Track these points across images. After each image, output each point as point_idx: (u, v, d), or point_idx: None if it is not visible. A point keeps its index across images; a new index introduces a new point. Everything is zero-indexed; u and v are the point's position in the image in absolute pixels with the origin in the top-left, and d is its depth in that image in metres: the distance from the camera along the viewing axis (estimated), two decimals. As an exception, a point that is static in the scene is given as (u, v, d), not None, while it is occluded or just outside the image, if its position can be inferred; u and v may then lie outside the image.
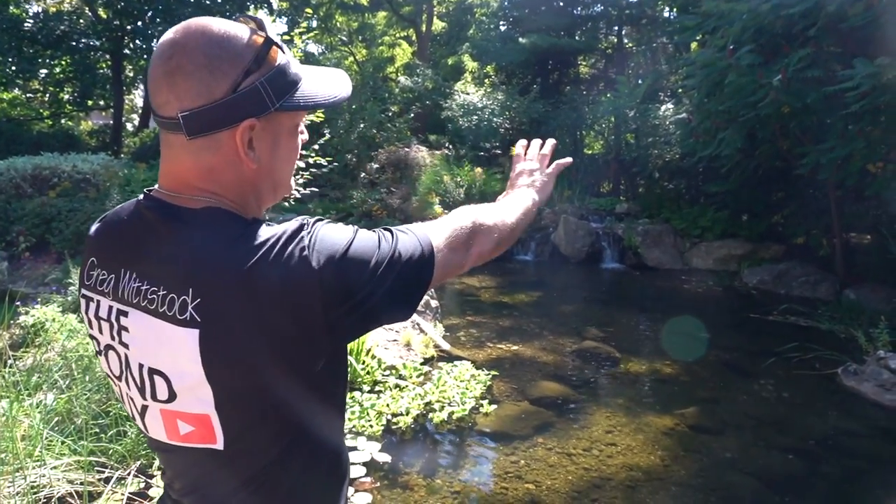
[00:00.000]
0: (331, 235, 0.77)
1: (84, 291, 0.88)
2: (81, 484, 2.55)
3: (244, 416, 0.78)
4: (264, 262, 0.72)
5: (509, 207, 1.10)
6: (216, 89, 0.75)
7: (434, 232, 0.89)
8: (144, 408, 0.83)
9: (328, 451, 0.90)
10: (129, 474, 2.74)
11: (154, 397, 0.80)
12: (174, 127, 0.77)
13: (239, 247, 0.74)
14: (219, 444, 0.79)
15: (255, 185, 0.84)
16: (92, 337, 0.89)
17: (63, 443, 2.71)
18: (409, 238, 0.85)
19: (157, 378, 0.79)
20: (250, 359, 0.74)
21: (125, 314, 0.80)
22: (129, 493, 2.65)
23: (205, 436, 0.79)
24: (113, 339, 0.83)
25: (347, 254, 0.76)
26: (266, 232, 0.76)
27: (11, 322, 4.10)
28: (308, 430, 0.84)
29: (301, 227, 0.76)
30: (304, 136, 0.92)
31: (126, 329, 0.81)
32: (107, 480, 2.67)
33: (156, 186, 0.85)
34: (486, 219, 0.99)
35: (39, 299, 4.61)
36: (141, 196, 0.86)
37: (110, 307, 0.82)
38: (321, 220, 0.81)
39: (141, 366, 0.80)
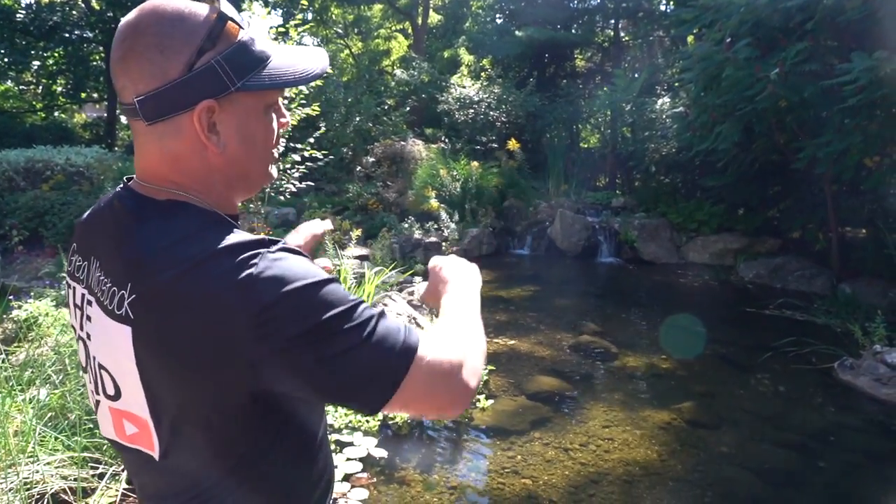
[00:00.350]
0: (291, 269, 0.68)
1: (67, 279, 0.87)
2: (75, 480, 2.53)
3: (176, 428, 0.73)
4: (204, 271, 0.67)
5: (468, 323, 0.88)
6: (170, 70, 0.71)
7: (430, 342, 0.76)
8: (97, 403, 0.81)
9: (283, 484, 0.81)
10: (123, 470, 2.72)
11: (105, 393, 0.78)
12: (133, 113, 0.73)
13: (184, 248, 0.69)
14: (155, 454, 0.75)
15: (223, 174, 0.78)
16: (72, 326, 0.87)
17: (56, 438, 2.68)
18: (393, 328, 0.73)
19: (104, 374, 0.77)
20: (176, 368, 0.69)
21: (90, 303, 0.78)
22: (124, 489, 2.63)
23: (146, 441, 0.76)
24: (81, 328, 0.81)
25: (300, 294, 0.67)
26: (219, 238, 0.70)
27: (4, 316, 4.06)
28: (255, 461, 0.77)
29: (259, 246, 0.69)
30: (286, 120, 0.86)
31: (89, 319, 0.79)
32: (101, 476, 2.65)
33: (134, 176, 0.82)
34: (474, 352, 0.82)
35: (33, 293, 4.57)
36: (120, 185, 0.83)
37: (82, 295, 0.81)
38: (291, 251, 0.71)
39: (94, 358, 0.79)
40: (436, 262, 1.10)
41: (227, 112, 0.75)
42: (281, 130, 0.85)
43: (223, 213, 0.78)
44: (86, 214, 0.87)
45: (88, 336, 0.79)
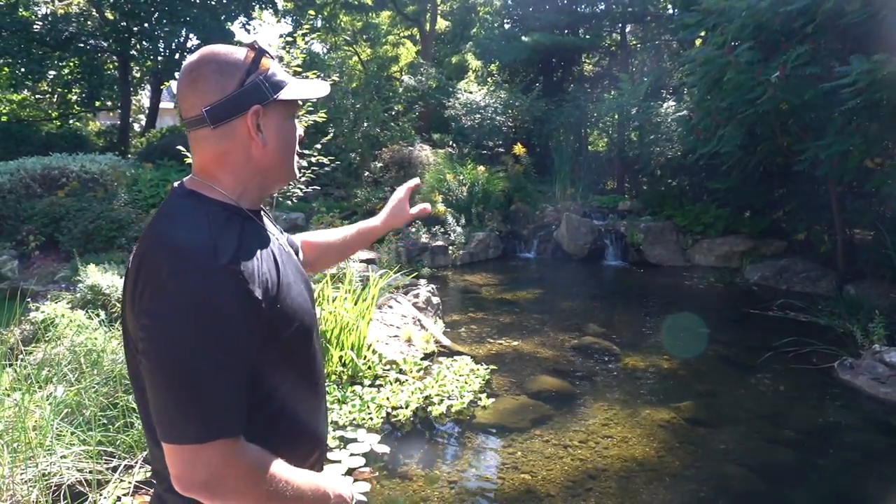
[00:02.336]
0: (189, 239, 0.90)
1: None
2: (90, 472, 2.65)
3: (139, 389, 0.97)
4: (155, 228, 0.95)
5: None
6: (227, 87, 0.99)
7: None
8: None
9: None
10: (136, 463, 2.83)
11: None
12: (200, 122, 0.99)
13: (164, 224, 0.96)
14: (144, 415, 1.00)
15: (261, 165, 1.04)
16: None
17: (73, 433, 2.80)
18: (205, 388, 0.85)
19: None
20: (129, 311, 0.94)
21: None
22: (136, 481, 2.74)
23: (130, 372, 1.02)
24: None
25: (171, 341, 0.85)
26: (189, 212, 0.95)
27: (22, 318, 4.20)
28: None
29: (196, 260, 0.88)
30: (301, 132, 1.13)
31: None
32: (114, 469, 2.76)
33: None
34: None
35: (49, 296, 4.71)
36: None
37: None
38: (219, 277, 0.88)
39: None
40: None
41: (269, 117, 1.03)
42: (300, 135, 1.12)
43: (243, 206, 1.02)
44: None
45: None
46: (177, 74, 15.64)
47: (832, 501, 3.23)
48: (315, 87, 1.10)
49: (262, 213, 1.11)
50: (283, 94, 1.03)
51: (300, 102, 1.12)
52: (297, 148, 1.12)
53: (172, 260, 0.87)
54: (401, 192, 1.64)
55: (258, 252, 0.96)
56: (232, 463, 0.86)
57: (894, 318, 5.30)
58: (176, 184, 1.06)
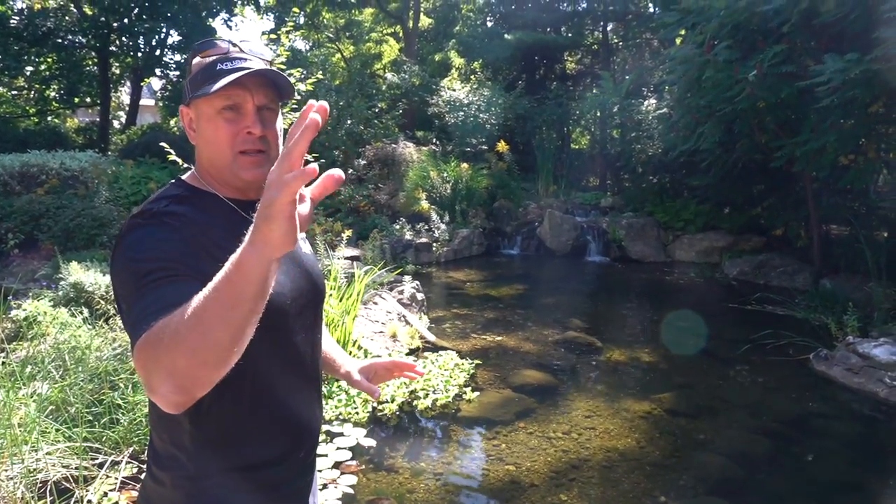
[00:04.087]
0: (140, 210, 1.00)
1: None
2: (76, 468, 2.65)
3: None
4: (128, 222, 1.00)
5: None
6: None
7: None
8: None
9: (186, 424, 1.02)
10: (122, 460, 2.84)
11: None
12: None
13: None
14: None
15: (205, 156, 1.10)
16: None
17: (58, 430, 2.80)
18: (141, 303, 0.86)
19: None
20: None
21: None
22: (123, 477, 2.75)
23: None
24: None
25: (122, 265, 0.94)
26: (150, 202, 1.03)
27: (3, 316, 4.17)
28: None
29: (139, 214, 1.00)
30: (252, 129, 1.04)
31: None
32: (101, 465, 2.77)
33: None
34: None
35: (31, 294, 4.67)
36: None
37: None
38: (149, 222, 0.98)
39: None
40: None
41: (198, 115, 1.09)
42: (243, 132, 1.05)
43: (222, 194, 1.09)
44: None
45: None
46: (157, 71, 15.49)
47: (808, 488, 3.32)
48: (245, 67, 1.04)
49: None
50: (196, 93, 1.05)
51: (224, 97, 1.03)
52: (233, 145, 1.04)
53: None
54: (386, 366, 1.42)
55: (200, 214, 1.03)
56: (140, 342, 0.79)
57: (867, 311, 5.44)
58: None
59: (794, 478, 3.39)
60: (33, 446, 2.66)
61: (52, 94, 15.49)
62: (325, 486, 2.98)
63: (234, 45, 1.10)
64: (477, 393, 4.20)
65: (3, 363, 3.20)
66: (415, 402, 3.98)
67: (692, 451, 3.58)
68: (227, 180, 1.09)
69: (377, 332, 4.96)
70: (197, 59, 1.09)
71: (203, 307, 0.73)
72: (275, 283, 0.86)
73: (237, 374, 0.81)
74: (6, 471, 2.53)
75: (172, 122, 16.33)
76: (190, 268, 0.90)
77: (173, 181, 1.13)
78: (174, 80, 15.66)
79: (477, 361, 4.77)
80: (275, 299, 0.94)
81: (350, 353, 4.42)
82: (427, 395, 4.05)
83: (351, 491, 2.97)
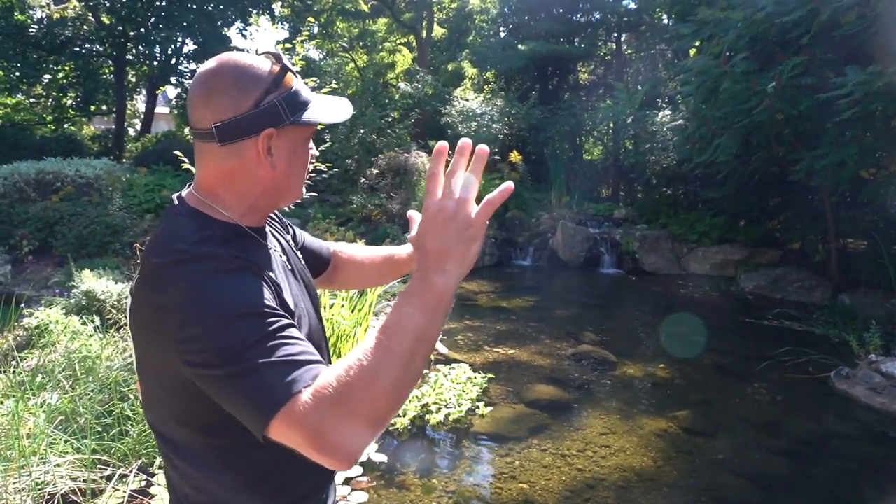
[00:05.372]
0: (208, 290, 0.81)
1: None
2: (84, 481, 2.61)
3: (148, 386, 0.94)
4: (169, 268, 0.84)
5: (385, 343, 0.75)
6: (243, 104, 0.91)
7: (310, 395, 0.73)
8: None
9: (247, 468, 0.93)
10: (130, 472, 2.80)
11: None
12: (208, 137, 0.93)
13: (175, 244, 0.87)
14: (143, 401, 0.99)
15: (267, 188, 0.98)
16: None
17: (66, 441, 2.77)
18: (284, 360, 0.76)
19: None
20: (142, 339, 0.90)
21: None
22: (131, 490, 2.71)
23: (140, 391, 0.99)
24: None
25: (211, 323, 0.78)
26: (189, 240, 0.87)
27: (15, 324, 4.17)
28: (218, 435, 0.90)
29: (204, 258, 0.84)
30: (314, 151, 1.07)
31: None
32: (109, 478, 2.73)
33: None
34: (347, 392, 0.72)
35: (43, 302, 4.68)
36: (186, 189, 1.03)
37: None
38: (222, 262, 0.84)
39: None
40: (435, 208, 0.83)
41: (280, 139, 0.95)
42: (310, 157, 1.05)
43: (244, 224, 0.98)
44: None
45: None
46: (172, 80, 15.64)
47: (830, 512, 3.23)
48: (338, 110, 1.02)
49: (269, 225, 1.09)
50: (302, 118, 0.95)
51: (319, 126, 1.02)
52: (308, 170, 1.05)
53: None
54: None
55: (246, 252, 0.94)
56: (303, 414, 0.72)
57: (889, 328, 5.33)
58: (175, 198, 0.99)
59: (816, 501, 3.30)
60: (42, 458, 2.63)
61: (69, 101, 15.68)
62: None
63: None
64: (490, 408, 4.13)
65: (14, 372, 3.18)
66: (427, 417, 3.92)
67: (710, 472, 3.50)
68: (276, 206, 1.03)
69: (389, 344, 4.90)
70: (289, 75, 0.95)
71: (404, 342, 0.74)
72: (308, 318, 1.01)
73: (216, 448, 0.88)
74: (14, 483, 2.49)
75: (186, 130, 16.46)
76: (288, 313, 0.88)
77: (188, 212, 0.95)
78: (189, 88, 15.82)
79: (490, 375, 4.70)
80: (313, 334, 1.01)
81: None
82: (440, 409, 3.99)
83: (361, 508, 2.91)
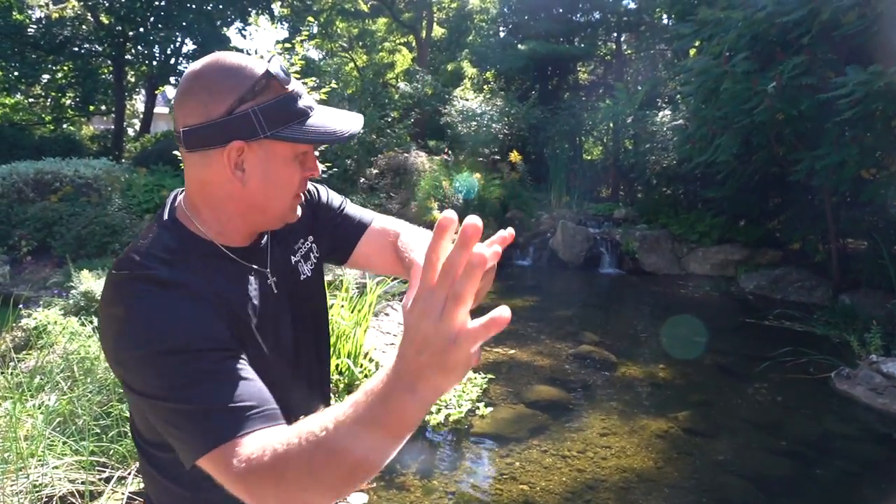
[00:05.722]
0: (152, 325, 0.76)
1: None
2: (83, 483, 2.60)
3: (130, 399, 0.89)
4: (114, 280, 0.82)
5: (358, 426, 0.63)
6: (213, 111, 0.83)
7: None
8: None
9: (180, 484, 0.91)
10: (129, 474, 2.79)
11: None
12: (178, 140, 0.87)
13: (128, 252, 0.85)
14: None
15: (241, 204, 0.89)
16: None
17: (65, 443, 2.75)
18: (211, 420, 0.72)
19: None
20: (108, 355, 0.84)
21: None
22: (130, 492, 2.69)
23: None
24: None
25: (146, 357, 0.76)
26: (146, 252, 0.83)
27: (14, 325, 4.15)
28: (155, 452, 0.90)
29: (150, 280, 0.80)
30: (315, 172, 0.95)
31: None
32: (107, 480, 2.71)
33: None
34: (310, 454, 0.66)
35: (42, 302, 4.66)
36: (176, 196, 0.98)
37: None
38: (170, 286, 0.80)
39: None
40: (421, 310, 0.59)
41: (255, 154, 0.86)
42: (307, 175, 0.94)
43: (221, 243, 0.91)
44: None
45: None
46: (172, 79, 15.63)
47: (831, 513, 3.22)
48: (340, 125, 0.90)
49: (276, 236, 1.02)
50: (284, 133, 0.85)
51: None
52: (299, 191, 0.94)
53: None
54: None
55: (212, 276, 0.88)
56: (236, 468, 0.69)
57: (890, 328, 5.31)
58: (169, 200, 0.95)
59: (817, 502, 3.29)
60: (40, 460, 2.62)
61: (68, 101, 15.67)
62: (334, 505, 2.91)
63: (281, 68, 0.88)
64: (490, 408, 4.12)
65: (12, 373, 3.17)
66: (427, 418, 3.89)
67: (711, 473, 3.48)
68: (259, 227, 0.95)
69: (389, 345, 4.89)
70: (275, 83, 0.85)
71: (345, 450, 0.63)
72: (279, 350, 0.97)
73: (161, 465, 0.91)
74: (12, 485, 2.48)
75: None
76: (236, 346, 0.81)
77: (169, 221, 0.90)
78: None
79: (490, 375, 4.69)
80: (278, 365, 0.96)
81: (361, 365, 4.35)
82: (439, 409, 3.97)
83: (361, 510, 2.90)
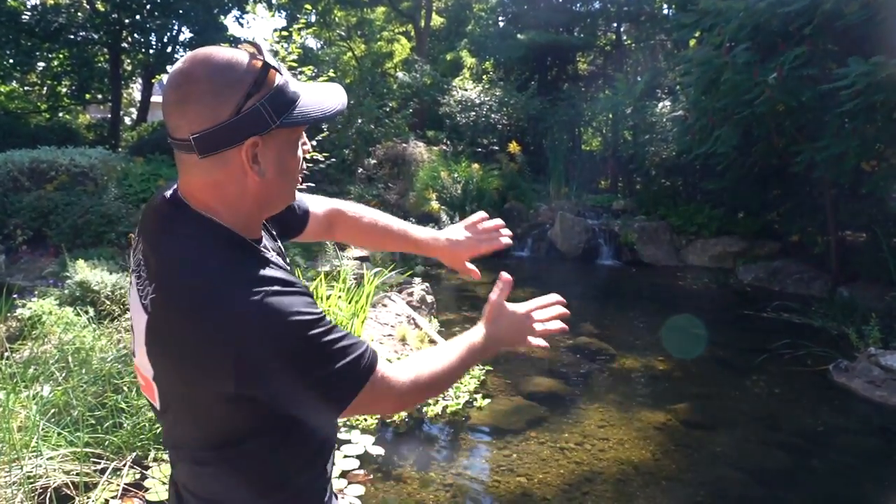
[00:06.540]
0: (287, 309, 0.81)
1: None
2: (77, 475, 2.58)
3: (173, 398, 0.90)
4: (214, 292, 0.80)
5: (456, 358, 1.06)
6: (221, 112, 0.82)
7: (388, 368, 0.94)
8: (132, 354, 0.98)
9: (282, 475, 0.95)
10: (124, 465, 2.77)
11: (133, 351, 0.95)
12: (187, 148, 0.85)
13: (202, 266, 0.83)
14: (157, 406, 0.94)
15: (257, 197, 0.91)
16: None
17: (59, 434, 2.73)
18: (355, 355, 0.87)
19: (133, 335, 0.94)
20: (176, 360, 0.85)
21: (132, 275, 0.95)
22: (125, 483, 2.68)
23: (151, 395, 0.94)
24: (128, 294, 1.01)
25: (288, 323, 0.80)
26: (234, 263, 0.85)
27: (8, 315, 4.12)
28: (237, 444, 0.90)
29: (266, 281, 0.82)
30: (307, 148, 0.99)
31: (130, 287, 0.95)
32: (102, 471, 2.70)
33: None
34: (430, 376, 1.00)
35: (37, 292, 4.62)
36: (173, 188, 0.95)
37: (132, 270, 0.96)
38: (286, 285, 0.84)
39: (131, 323, 0.95)
40: (500, 303, 1.20)
41: (267, 146, 0.87)
42: (304, 155, 0.98)
43: (245, 236, 0.92)
44: (148, 203, 1.00)
45: (130, 304, 0.95)
46: (169, 68, 15.49)
47: (829, 506, 3.22)
48: (330, 99, 0.93)
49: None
50: (291, 119, 0.87)
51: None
52: (301, 172, 0.98)
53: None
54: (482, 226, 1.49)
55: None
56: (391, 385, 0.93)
57: (889, 321, 5.31)
58: (170, 201, 0.92)
59: (815, 494, 3.29)
60: (34, 451, 2.60)
61: (64, 90, 15.52)
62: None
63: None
64: (488, 400, 4.10)
65: (6, 364, 3.14)
66: (424, 409, 3.88)
67: (709, 465, 3.48)
68: (269, 214, 0.99)
69: (386, 336, 4.87)
70: (271, 73, 0.86)
71: (452, 370, 1.05)
72: None
73: (264, 425, 0.90)
74: (6, 476, 2.46)
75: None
76: None
77: (212, 228, 0.89)
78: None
79: (487, 367, 4.67)
80: None
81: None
82: (437, 401, 3.96)
83: (358, 502, 2.88)
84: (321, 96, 0.93)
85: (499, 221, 1.49)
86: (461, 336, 1.10)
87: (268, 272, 0.84)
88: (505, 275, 1.18)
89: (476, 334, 1.12)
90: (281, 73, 0.87)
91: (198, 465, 0.93)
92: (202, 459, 0.92)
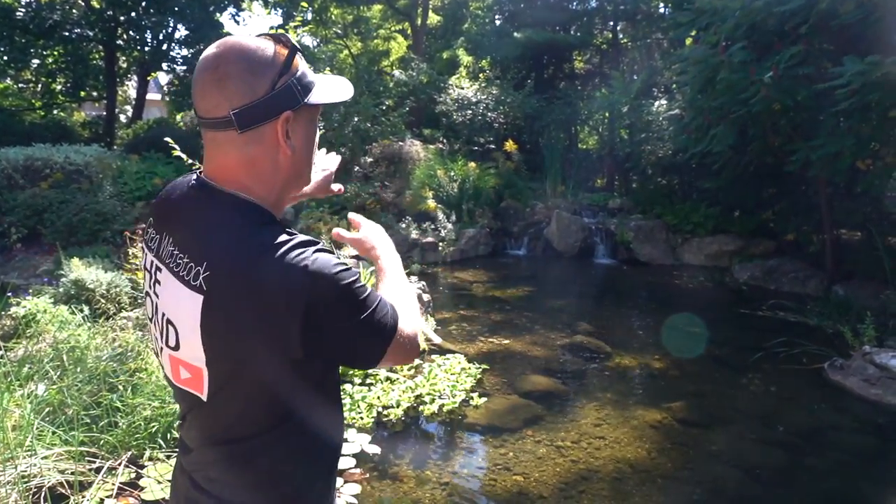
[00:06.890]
0: (330, 263, 0.89)
1: (143, 245, 1.07)
2: (72, 474, 2.57)
3: (227, 379, 0.92)
4: (270, 259, 0.85)
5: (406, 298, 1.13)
6: (259, 89, 0.91)
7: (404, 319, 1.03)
8: (161, 349, 0.99)
9: (323, 446, 1.03)
10: (119, 465, 2.76)
11: (167, 343, 0.96)
12: (225, 125, 0.91)
13: (253, 239, 0.88)
14: (203, 396, 0.94)
15: (286, 173, 0.98)
16: (143, 282, 1.07)
17: (54, 433, 2.72)
18: (388, 309, 0.98)
19: (170, 328, 0.95)
20: (237, 334, 0.87)
21: (160, 270, 0.97)
22: (120, 483, 2.67)
23: (196, 385, 0.95)
24: (150, 287, 1.01)
25: (337, 286, 0.88)
26: (278, 234, 0.89)
27: (3, 313, 4.10)
28: (303, 421, 0.96)
29: (307, 244, 0.90)
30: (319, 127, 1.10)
31: (158, 282, 0.97)
32: (97, 470, 2.69)
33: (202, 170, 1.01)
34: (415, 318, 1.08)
35: (31, 291, 4.60)
36: (194, 175, 1.01)
37: (152, 261, 1.00)
38: (325, 250, 0.92)
39: (163, 315, 0.96)
40: (361, 225, 1.29)
41: (298, 122, 0.97)
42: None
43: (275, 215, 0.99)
44: (159, 197, 1.06)
45: (158, 295, 0.98)
46: (164, 65, 15.43)
47: (823, 503, 3.22)
48: (341, 88, 1.05)
49: None
50: (314, 98, 0.97)
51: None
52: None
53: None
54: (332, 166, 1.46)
55: None
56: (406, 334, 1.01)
57: (884, 319, 5.33)
58: (199, 182, 0.98)
59: (810, 492, 3.30)
60: (28, 450, 2.59)
61: (58, 87, 15.43)
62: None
63: None
64: (484, 398, 4.10)
65: (0, 363, 3.13)
66: (421, 408, 3.89)
67: (705, 464, 3.49)
68: (297, 190, 1.07)
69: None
70: (298, 58, 0.97)
71: (412, 296, 1.15)
72: None
73: (318, 396, 1.00)
74: (0, 476, 2.45)
75: (178, 117, 16.26)
76: None
77: (249, 205, 0.96)
78: (181, 74, 15.57)
79: (484, 366, 4.68)
80: None
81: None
82: (433, 400, 3.96)
83: (355, 501, 2.88)
84: (332, 84, 1.04)
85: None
86: (390, 269, 1.19)
87: (304, 237, 0.91)
88: (352, 216, 1.33)
89: (391, 261, 1.21)
90: (302, 60, 0.98)
91: (233, 458, 0.96)
92: (240, 451, 0.95)
